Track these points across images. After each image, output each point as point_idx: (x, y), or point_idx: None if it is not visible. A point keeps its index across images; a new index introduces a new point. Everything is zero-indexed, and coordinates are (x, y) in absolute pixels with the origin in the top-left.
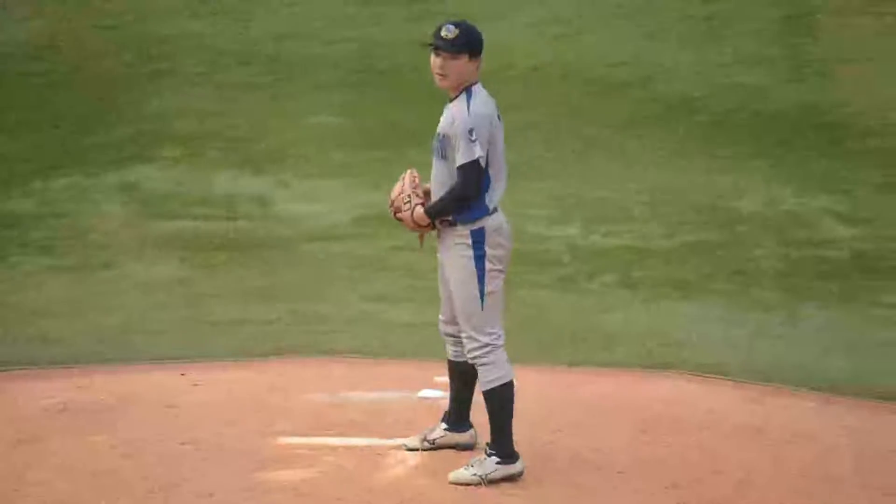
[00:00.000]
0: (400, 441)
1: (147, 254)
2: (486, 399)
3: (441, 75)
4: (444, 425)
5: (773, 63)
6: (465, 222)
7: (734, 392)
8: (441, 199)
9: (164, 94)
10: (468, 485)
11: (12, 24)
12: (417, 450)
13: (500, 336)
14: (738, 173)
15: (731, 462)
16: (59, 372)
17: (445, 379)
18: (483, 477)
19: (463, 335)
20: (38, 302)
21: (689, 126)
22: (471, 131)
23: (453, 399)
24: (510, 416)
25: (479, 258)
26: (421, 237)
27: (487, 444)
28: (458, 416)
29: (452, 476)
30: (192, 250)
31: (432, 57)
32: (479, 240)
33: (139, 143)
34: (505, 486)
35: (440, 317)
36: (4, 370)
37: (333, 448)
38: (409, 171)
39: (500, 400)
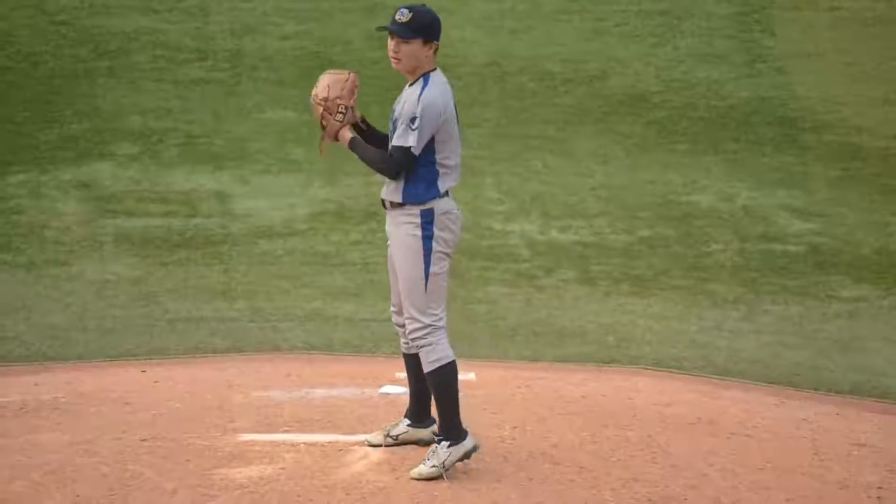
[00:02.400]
0: (362, 437)
1: (104, 251)
2: (429, 380)
3: (395, 59)
4: (406, 421)
5: (727, 58)
6: (414, 202)
7: (692, 387)
8: (369, 151)
9: (121, 90)
10: (431, 479)
11: None
12: (380, 446)
13: (441, 318)
14: (694, 168)
15: (689, 456)
16: (16, 369)
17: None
18: (442, 465)
19: (405, 316)
20: None
21: (645, 121)
22: (413, 119)
23: (412, 394)
24: (455, 396)
25: (427, 238)
26: (324, 145)
27: (434, 432)
28: (419, 411)
29: (414, 473)
30: (149, 247)
31: (389, 40)
32: (427, 220)
33: (95, 140)
34: (464, 481)
35: (392, 308)
36: None
37: (293, 444)
38: (352, 76)
39: (444, 381)
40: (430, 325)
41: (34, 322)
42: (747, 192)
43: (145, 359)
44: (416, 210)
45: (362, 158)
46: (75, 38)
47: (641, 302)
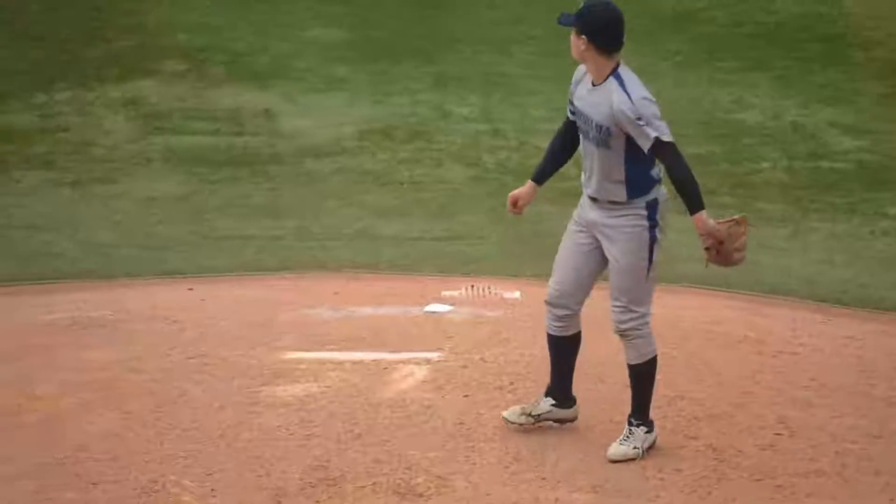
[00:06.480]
0: (407, 355)
1: (150, 169)
2: (634, 370)
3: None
4: (550, 401)
5: None
6: (638, 195)
7: (738, 305)
8: (693, 190)
9: (167, 7)
10: (628, 459)
11: None
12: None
13: (652, 308)
14: (742, 85)
15: (734, 373)
16: (64, 286)
17: (452, 293)
18: (642, 449)
19: (617, 305)
20: (41, 217)
21: (693, 37)
22: (639, 118)
23: (556, 375)
24: (653, 387)
25: (653, 228)
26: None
27: (631, 417)
28: (563, 392)
29: (613, 453)
30: (195, 165)
31: None
32: (653, 212)
33: (141, 57)
34: (511, 403)
35: (554, 286)
36: (9, 284)
37: (339, 363)
38: (745, 225)
39: (651, 372)
40: (645, 315)
41: (81, 239)
42: (795, 109)
43: (192, 276)
44: (642, 202)
45: (695, 193)
46: None
47: (688, 220)
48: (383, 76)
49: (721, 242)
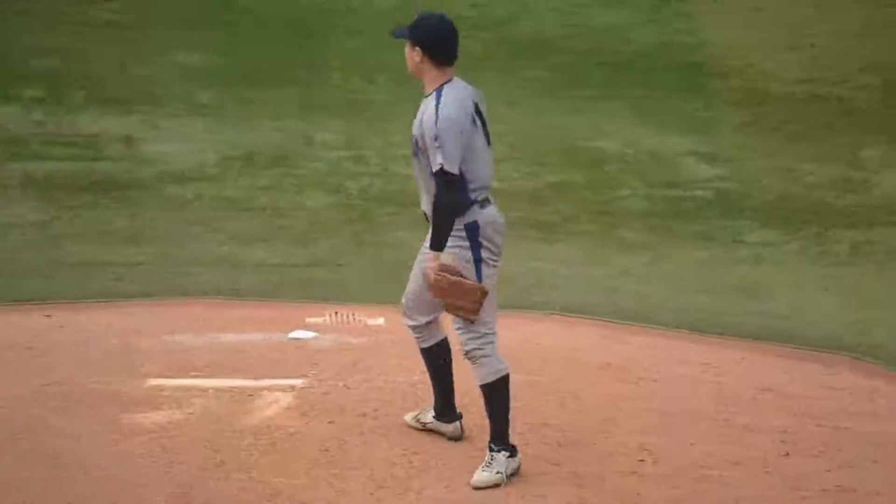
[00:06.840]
0: (269, 382)
1: (7, 196)
2: (484, 392)
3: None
4: (431, 412)
5: (632, 3)
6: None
7: (599, 332)
8: (440, 225)
9: (26, 33)
10: (492, 486)
11: None
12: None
13: (493, 329)
14: (600, 114)
15: (596, 400)
16: None
17: (316, 319)
18: (504, 474)
19: (456, 327)
20: None
21: (550, 66)
22: (436, 137)
23: (434, 389)
24: (509, 407)
25: (475, 249)
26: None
27: (490, 444)
28: (442, 407)
29: (476, 480)
30: (54, 192)
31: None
32: (473, 234)
33: None
34: (377, 430)
35: (404, 299)
36: None
37: (202, 390)
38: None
39: (501, 393)
40: (487, 335)
41: None
42: (654, 137)
43: (50, 303)
44: (460, 224)
45: (443, 227)
46: None
47: (549, 248)
48: (248, 102)
49: (428, 288)
